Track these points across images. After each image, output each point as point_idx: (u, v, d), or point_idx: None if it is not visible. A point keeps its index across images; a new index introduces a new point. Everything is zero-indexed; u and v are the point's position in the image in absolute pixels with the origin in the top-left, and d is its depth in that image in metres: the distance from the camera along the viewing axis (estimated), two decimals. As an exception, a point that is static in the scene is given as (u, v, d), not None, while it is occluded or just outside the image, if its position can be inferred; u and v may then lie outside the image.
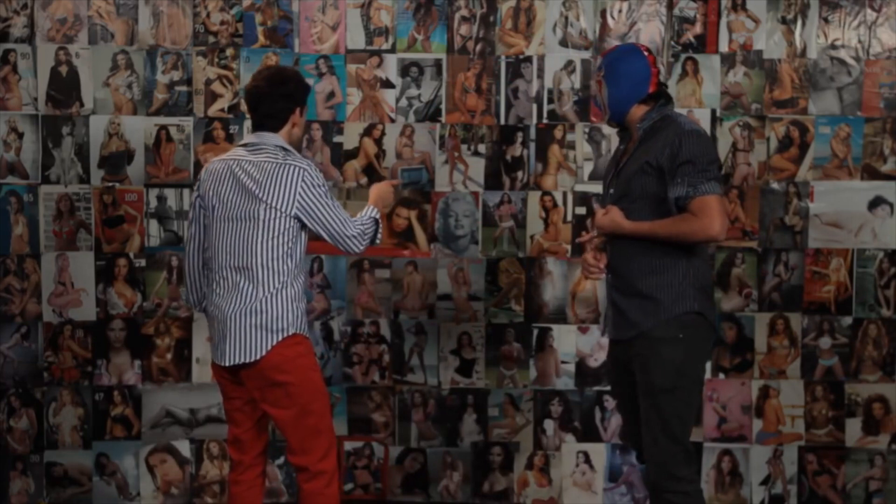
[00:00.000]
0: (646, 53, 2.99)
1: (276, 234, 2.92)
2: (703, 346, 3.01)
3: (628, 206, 2.96)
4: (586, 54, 3.94)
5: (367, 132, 3.97)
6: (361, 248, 3.02)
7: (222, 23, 3.94)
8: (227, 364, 2.94)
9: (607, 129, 3.94)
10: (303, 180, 2.91)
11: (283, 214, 2.91)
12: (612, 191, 3.05)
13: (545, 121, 3.95)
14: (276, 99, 3.00)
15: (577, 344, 3.99)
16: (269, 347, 2.90)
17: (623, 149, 3.10)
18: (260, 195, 2.91)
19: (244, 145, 3.06)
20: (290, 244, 2.94)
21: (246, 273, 2.93)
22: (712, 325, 3.00)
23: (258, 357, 2.90)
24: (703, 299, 2.95)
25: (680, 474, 2.95)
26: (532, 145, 3.96)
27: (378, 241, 3.11)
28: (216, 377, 3.10)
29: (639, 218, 2.94)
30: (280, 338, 2.91)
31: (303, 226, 2.97)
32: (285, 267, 2.94)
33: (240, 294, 2.92)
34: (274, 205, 2.90)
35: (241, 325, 2.91)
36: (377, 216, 3.09)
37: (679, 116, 2.99)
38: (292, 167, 2.92)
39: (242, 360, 2.91)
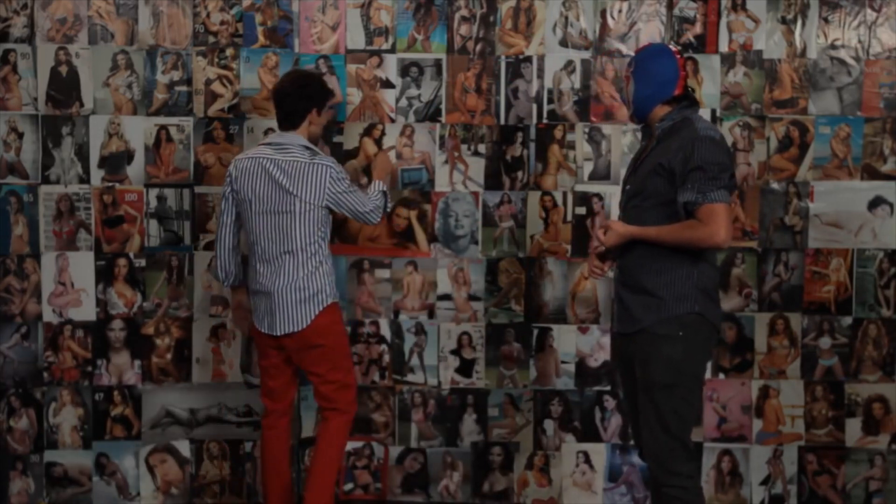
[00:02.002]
0: (677, 56, 3.04)
1: (310, 223, 3.37)
2: (703, 346, 3.02)
3: (640, 205, 3.01)
4: (586, 54, 3.94)
5: (367, 132, 3.96)
6: (378, 219, 3.52)
7: (222, 23, 3.94)
8: (277, 334, 3.40)
9: (607, 129, 3.94)
10: (330, 176, 3.37)
11: (316, 207, 3.37)
12: (628, 187, 3.11)
13: (545, 121, 3.95)
14: (297, 98, 3.41)
15: (577, 344, 3.99)
16: (313, 317, 3.39)
17: (643, 147, 3.14)
18: (294, 192, 3.34)
19: (269, 144, 3.45)
20: (323, 229, 3.42)
21: (289, 256, 3.38)
22: (714, 327, 3.01)
23: (304, 326, 3.38)
24: (705, 301, 2.97)
25: (678, 469, 2.97)
26: (532, 145, 3.96)
27: (388, 209, 3.61)
28: (256, 340, 3.56)
29: (649, 217, 2.97)
30: (320, 308, 3.40)
31: (331, 211, 3.43)
32: (320, 248, 3.41)
33: (285, 274, 3.38)
34: (307, 199, 3.35)
35: (288, 300, 3.38)
36: (384, 189, 3.56)
37: (698, 120, 2.99)
38: (320, 166, 3.36)
39: (292, 329, 3.38)
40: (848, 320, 3.94)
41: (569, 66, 3.94)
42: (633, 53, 3.82)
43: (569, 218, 3.97)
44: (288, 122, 3.44)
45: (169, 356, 4.00)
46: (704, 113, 3.85)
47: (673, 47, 3.13)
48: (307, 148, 3.41)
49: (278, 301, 3.38)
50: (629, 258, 3.06)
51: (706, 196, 2.86)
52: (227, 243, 3.53)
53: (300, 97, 3.41)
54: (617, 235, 2.99)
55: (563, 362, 3.99)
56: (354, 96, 3.95)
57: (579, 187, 3.97)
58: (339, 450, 3.55)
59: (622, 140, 3.93)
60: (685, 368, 2.96)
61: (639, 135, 3.90)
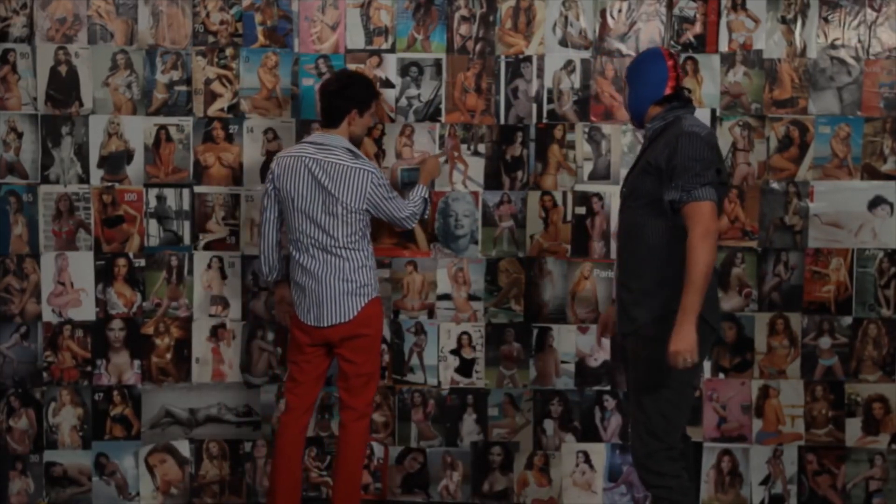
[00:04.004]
0: (667, 58, 3.08)
1: (352, 223, 3.44)
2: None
3: (634, 205, 3.04)
4: (586, 54, 3.94)
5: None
6: (413, 224, 3.63)
7: (222, 22, 3.94)
8: (324, 325, 3.45)
9: (607, 129, 3.94)
10: (371, 182, 3.42)
11: (357, 210, 3.42)
12: (624, 189, 3.14)
13: (545, 121, 3.95)
14: (337, 98, 3.46)
15: (576, 344, 3.99)
16: (361, 308, 3.47)
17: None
18: (336, 195, 3.40)
19: (311, 142, 3.48)
20: (364, 229, 3.50)
21: (333, 252, 3.44)
22: (711, 327, 3.01)
23: (352, 317, 3.45)
24: (704, 300, 2.96)
25: (663, 470, 3.00)
26: (532, 145, 3.95)
27: (427, 217, 3.77)
28: (295, 334, 3.56)
29: (641, 216, 3.00)
30: (367, 300, 3.49)
31: (368, 212, 3.49)
32: (362, 245, 3.49)
33: (331, 267, 3.45)
34: (348, 203, 3.41)
35: (336, 291, 3.45)
36: (426, 195, 3.67)
37: (687, 118, 3.01)
38: (362, 171, 3.42)
39: (340, 320, 3.45)
40: (848, 320, 3.94)
41: (568, 66, 3.94)
42: (632, 53, 3.86)
43: (569, 218, 3.96)
44: (328, 120, 3.49)
45: (168, 356, 3.99)
46: (704, 113, 3.86)
47: (664, 49, 3.15)
48: (349, 150, 3.45)
49: (326, 292, 3.44)
50: (627, 257, 3.08)
51: (690, 194, 2.86)
52: (270, 239, 3.56)
53: (341, 97, 3.45)
54: (689, 343, 2.83)
55: (562, 362, 3.99)
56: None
57: (579, 187, 3.97)
58: (363, 457, 3.63)
59: (622, 140, 3.93)
60: (674, 372, 2.97)
61: (639, 135, 3.91)
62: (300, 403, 3.58)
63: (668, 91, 3.06)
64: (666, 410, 3.00)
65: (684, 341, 2.82)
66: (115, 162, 3.94)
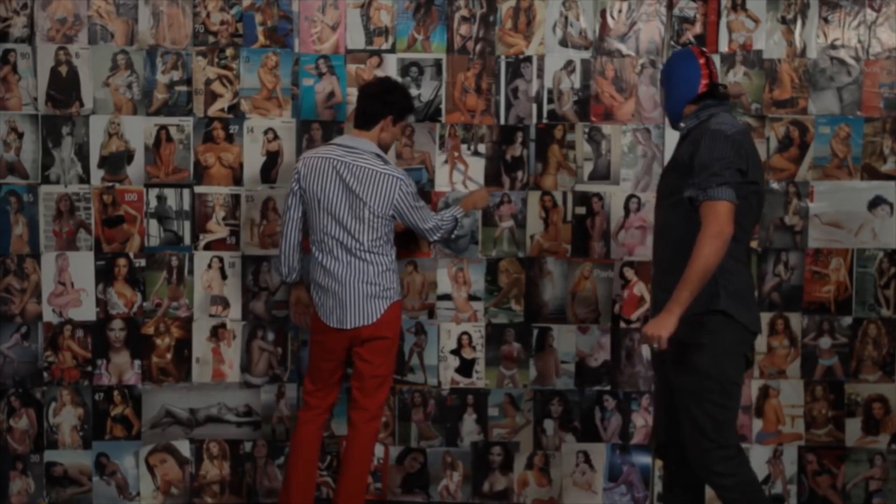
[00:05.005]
0: (699, 56, 3.09)
1: (378, 228, 3.45)
2: (732, 350, 3.00)
3: (665, 203, 3.06)
4: (586, 54, 3.94)
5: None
6: (436, 238, 3.62)
7: (222, 23, 3.94)
8: (348, 328, 3.46)
9: (607, 129, 3.94)
10: (399, 189, 3.43)
11: (383, 216, 3.44)
12: (658, 188, 3.16)
13: (545, 121, 3.95)
14: (375, 102, 3.48)
15: (577, 344, 3.99)
16: (383, 311, 3.48)
17: None
18: (364, 199, 3.41)
19: (339, 144, 3.49)
20: (388, 234, 3.51)
21: (357, 255, 3.45)
22: (746, 328, 3.00)
23: (375, 320, 3.47)
24: (731, 300, 2.95)
25: (718, 469, 3.00)
26: (532, 145, 3.96)
27: (454, 236, 3.72)
28: (317, 337, 3.58)
29: (671, 215, 3.02)
30: (389, 303, 3.50)
31: (394, 218, 3.50)
32: (386, 249, 3.50)
33: (355, 269, 3.46)
34: (375, 208, 3.41)
35: (360, 294, 3.46)
36: (459, 216, 3.66)
37: (719, 115, 3.01)
38: (391, 177, 3.42)
39: (363, 323, 3.47)
40: (848, 320, 3.94)
41: (569, 66, 3.94)
42: (633, 54, 3.87)
43: (569, 218, 3.97)
44: (362, 121, 3.50)
45: (169, 356, 3.99)
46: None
47: (695, 48, 3.16)
48: (378, 156, 3.46)
49: (351, 295, 3.46)
50: (661, 256, 3.10)
51: (706, 193, 2.85)
52: (291, 239, 3.55)
53: (381, 101, 3.47)
54: (664, 330, 2.85)
55: (562, 362, 3.99)
56: (354, 96, 3.94)
57: (579, 187, 3.97)
58: (371, 459, 3.65)
59: (622, 140, 3.93)
60: (713, 375, 2.96)
61: (639, 135, 3.92)
62: (319, 404, 3.63)
63: (702, 89, 3.05)
64: (712, 411, 2.98)
65: (658, 327, 2.85)
66: (115, 162, 3.95)
